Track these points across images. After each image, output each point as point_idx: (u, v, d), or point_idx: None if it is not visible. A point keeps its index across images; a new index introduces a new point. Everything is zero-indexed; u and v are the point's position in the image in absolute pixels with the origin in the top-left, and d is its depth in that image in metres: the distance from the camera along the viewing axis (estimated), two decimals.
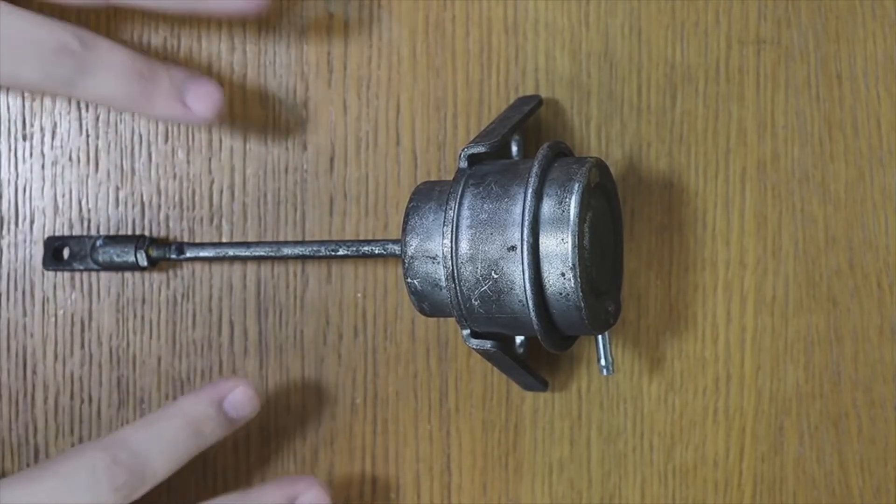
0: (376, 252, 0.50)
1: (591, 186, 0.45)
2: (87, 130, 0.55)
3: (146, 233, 0.55)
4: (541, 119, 0.53)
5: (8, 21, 0.47)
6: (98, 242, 0.53)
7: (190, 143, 0.55)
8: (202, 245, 0.52)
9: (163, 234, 0.55)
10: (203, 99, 0.49)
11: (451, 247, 0.45)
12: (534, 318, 0.45)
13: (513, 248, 0.44)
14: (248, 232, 0.54)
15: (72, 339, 0.55)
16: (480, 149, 0.47)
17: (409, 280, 0.47)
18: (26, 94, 0.55)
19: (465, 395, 0.54)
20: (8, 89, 0.55)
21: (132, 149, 0.55)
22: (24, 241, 0.55)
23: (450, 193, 0.46)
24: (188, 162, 0.55)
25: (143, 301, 0.55)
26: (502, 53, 0.53)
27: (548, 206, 0.44)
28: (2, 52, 0.47)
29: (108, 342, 0.55)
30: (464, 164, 0.47)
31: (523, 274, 0.44)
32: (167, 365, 0.55)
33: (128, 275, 0.55)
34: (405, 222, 0.47)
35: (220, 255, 0.52)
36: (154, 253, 0.53)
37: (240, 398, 0.49)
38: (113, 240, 0.53)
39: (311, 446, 0.54)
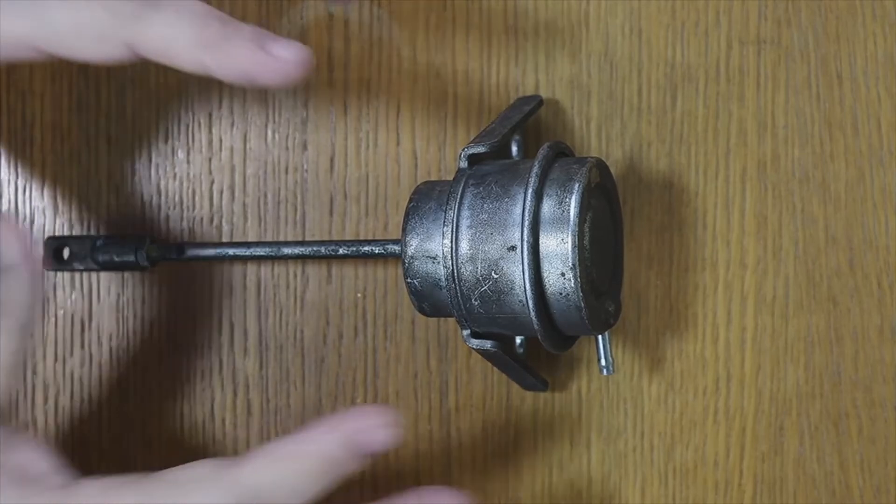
0: (376, 252, 0.50)
1: (591, 186, 0.45)
2: (87, 130, 0.55)
3: (146, 233, 0.55)
4: (541, 119, 0.53)
5: None
6: (98, 242, 0.53)
7: (190, 143, 0.55)
8: (202, 245, 0.52)
9: (163, 234, 0.55)
10: (291, 48, 0.41)
11: (452, 247, 0.45)
12: (534, 319, 0.45)
13: (513, 248, 0.44)
14: (248, 232, 0.54)
15: (72, 339, 0.55)
16: (480, 149, 0.47)
17: (409, 280, 0.47)
18: (26, 94, 0.55)
19: (465, 395, 0.54)
20: (8, 89, 0.55)
21: (132, 149, 0.55)
22: None
23: (450, 193, 0.46)
24: (188, 162, 0.55)
25: (143, 301, 0.55)
26: (502, 53, 0.53)
27: (548, 206, 0.44)
28: None
29: (108, 342, 0.55)
30: (464, 164, 0.47)
31: (523, 274, 0.44)
32: (167, 365, 0.55)
33: (128, 275, 0.55)
34: (405, 222, 0.47)
35: (220, 255, 0.52)
36: (154, 253, 0.52)
37: (381, 437, 0.43)
38: (113, 240, 0.53)
39: None
